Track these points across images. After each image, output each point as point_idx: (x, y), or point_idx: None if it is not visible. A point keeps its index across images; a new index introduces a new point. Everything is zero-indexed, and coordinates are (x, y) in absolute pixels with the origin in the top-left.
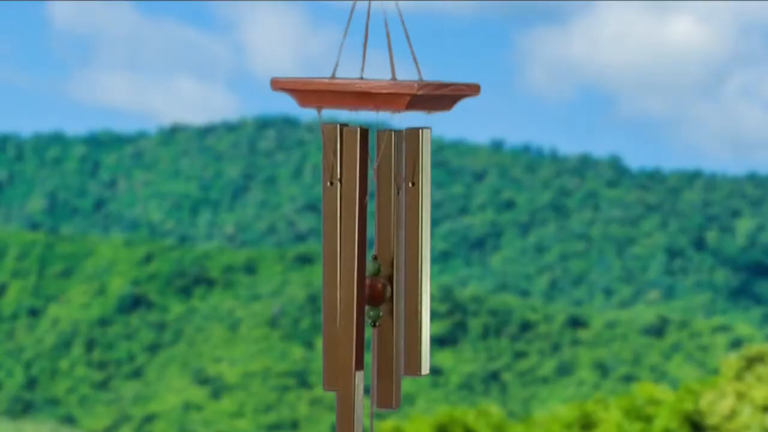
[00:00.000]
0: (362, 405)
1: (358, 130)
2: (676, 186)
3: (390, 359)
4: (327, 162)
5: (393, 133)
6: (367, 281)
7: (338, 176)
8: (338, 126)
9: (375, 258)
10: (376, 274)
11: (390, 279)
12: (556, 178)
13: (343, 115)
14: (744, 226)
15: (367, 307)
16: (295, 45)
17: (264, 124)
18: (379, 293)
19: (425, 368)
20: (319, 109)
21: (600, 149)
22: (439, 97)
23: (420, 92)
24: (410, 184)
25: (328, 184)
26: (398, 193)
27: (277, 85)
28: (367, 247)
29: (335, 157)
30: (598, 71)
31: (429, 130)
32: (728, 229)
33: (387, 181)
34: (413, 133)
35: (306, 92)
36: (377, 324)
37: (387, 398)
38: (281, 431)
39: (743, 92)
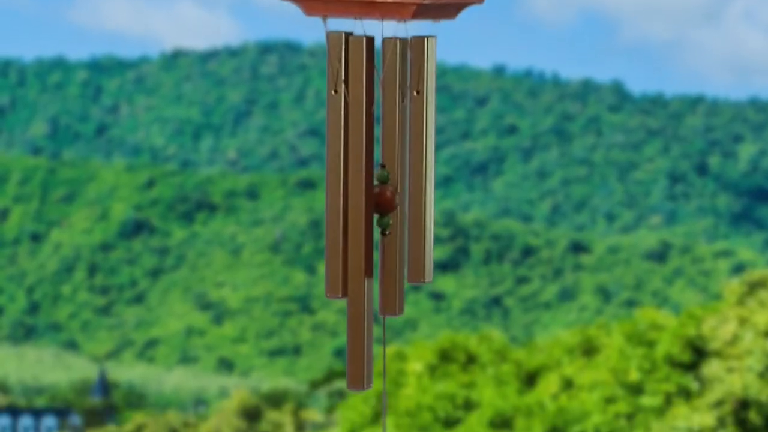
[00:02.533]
0: (372, 312)
1: (364, 39)
2: (679, 111)
3: (394, 266)
4: (332, 70)
5: (398, 41)
6: (377, 189)
7: (343, 84)
8: (343, 35)
9: (383, 166)
10: (385, 181)
11: (396, 187)
12: (558, 103)
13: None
14: (746, 151)
15: (376, 215)
16: None
17: (266, 49)
18: (389, 201)
19: (429, 275)
20: (325, 17)
21: (602, 74)
22: (445, 5)
23: (426, 1)
24: (415, 93)
25: (333, 92)
26: (403, 101)
27: None
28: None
29: (340, 65)
30: None
31: (434, 39)
32: (730, 154)
33: (392, 89)
34: (418, 42)
35: (312, 0)
36: (388, 232)
37: (391, 305)
38: (283, 356)
39: (745, 17)
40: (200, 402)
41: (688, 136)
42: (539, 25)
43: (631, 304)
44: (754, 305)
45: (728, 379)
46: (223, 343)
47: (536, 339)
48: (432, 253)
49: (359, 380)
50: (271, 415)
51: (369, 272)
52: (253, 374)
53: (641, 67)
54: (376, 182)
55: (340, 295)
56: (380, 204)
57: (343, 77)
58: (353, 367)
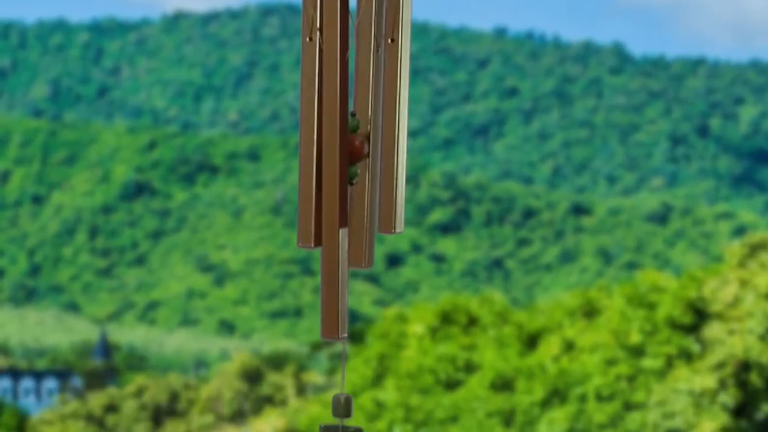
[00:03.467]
0: (347, 262)
1: None
2: (680, 73)
3: (364, 217)
4: (307, 17)
5: None
6: None
7: (318, 32)
8: None
9: (353, 115)
10: (354, 131)
11: (368, 136)
12: (559, 66)
13: None
14: (747, 113)
15: None
16: None
17: (267, 11)
18: (357, 150)
19: (399, 226)
20: None
21: (603, 36)
22: None
23: None
24: (389, 41)
25: (308, 39)
26: (378, 50)
27: None
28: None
29: (315, 12)
30: None
31: None
32: (731, 116)
33: (366, 37)
34: None
35: None
36: (355, 181)
37: (359, 256)
38: (285, 318)
39: None
40: (201, 364)
41: (689, 98)
42: None
43: (632, 266)
44: (755, 267)
45: (729, 341)
46: (224, 305)
47: (537, 301)
48: (403, 203)
49: (333, 330)
50: (273, 378)
51: (343, 222)
52: (254, 336)
53: (642, 29)
54: None
55: (312, 245)
56: (349, 153)
57: (317, 25)
58: (327, 317)
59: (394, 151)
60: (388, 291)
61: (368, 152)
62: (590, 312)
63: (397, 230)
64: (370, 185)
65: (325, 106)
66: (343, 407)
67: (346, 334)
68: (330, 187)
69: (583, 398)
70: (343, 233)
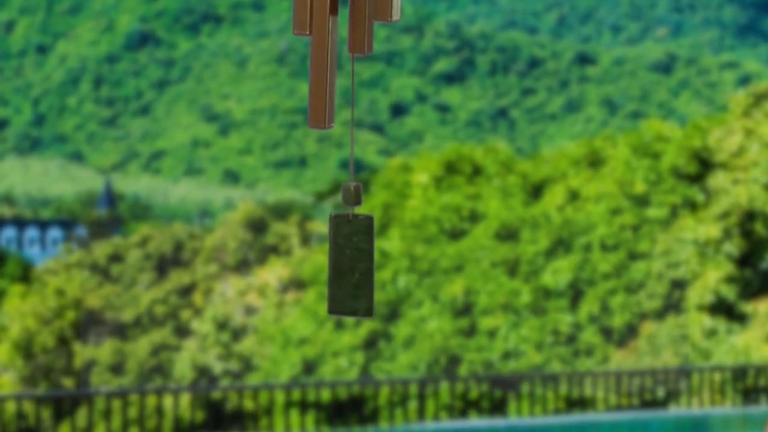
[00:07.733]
0: (336, 49)
1: None
2: None
3: (362, 5)
4: None
5: None
6: None
7: None
8: None
9: None
10: None
11: None
12: None
13: None
14: None
15: None
16: None
17: None
18: None
19: (396, 14)
20: None
21: None
22: None
23: None
24: None
25: None
26: None
27: None
28: None
29: None
30: None
31: None
32: None
33: None
34: None
35: None
36: None
37: (360, 43)
38: (289, 168)
39: None
40: (206, 213)
41: None
42: None
43: (636, 115)
44: (760, 117)
45: (734, 190)
46: (228, 154)
47: (542, 150)
48: None
49: (321, 119)
50: (277, 227)
51: (333, 9)
52: (259, 186)
53: None
54: None
55: (307, 33)
56: None
57: None
58: (315, 105)
59: None
60: (393, 140)
61: None
62: (595, 161)
63: (393, 18)
64: None
65: None
66: (353, 195)
67: (333, 124)
68: None
69: (587, 248)
70: (332, 20)
